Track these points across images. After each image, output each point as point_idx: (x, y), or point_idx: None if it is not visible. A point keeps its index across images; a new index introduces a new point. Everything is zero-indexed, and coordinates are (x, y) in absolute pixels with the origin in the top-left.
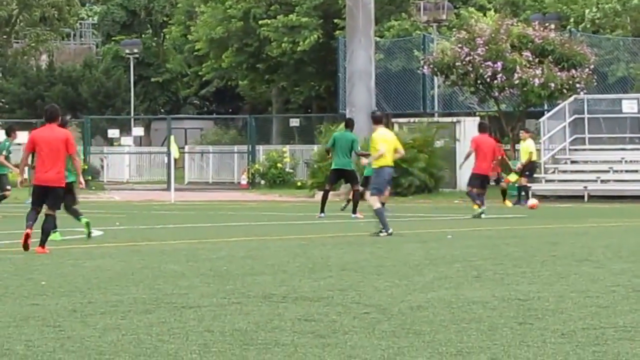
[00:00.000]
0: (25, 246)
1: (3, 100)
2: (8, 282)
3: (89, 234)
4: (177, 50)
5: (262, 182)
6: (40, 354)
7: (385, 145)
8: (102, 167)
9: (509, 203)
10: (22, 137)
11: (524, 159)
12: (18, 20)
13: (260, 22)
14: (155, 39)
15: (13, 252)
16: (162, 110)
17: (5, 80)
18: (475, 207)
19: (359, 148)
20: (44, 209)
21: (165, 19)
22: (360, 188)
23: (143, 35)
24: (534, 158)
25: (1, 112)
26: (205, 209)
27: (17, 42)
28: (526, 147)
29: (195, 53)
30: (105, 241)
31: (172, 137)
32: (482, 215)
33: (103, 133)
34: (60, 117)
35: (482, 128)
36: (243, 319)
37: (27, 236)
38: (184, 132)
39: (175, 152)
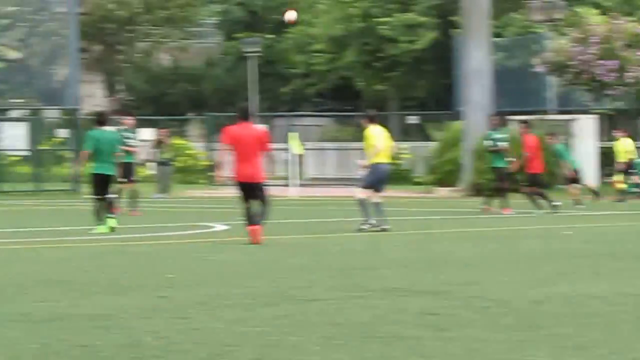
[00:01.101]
0: (257, 242)
1: (131, 98)
2: (137, 275)
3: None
4: (298, 49)
5: None
6: (169, 345)
7: (380, 142)
8: (222, 163)
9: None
10: (149, 133)
11: (621, 158)
12: (141, 21)
13: (379, 20)
14: (276, 37)
15: (140, 246)
16: (283, 108)
17: (131, 78)
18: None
19: (499, 144)
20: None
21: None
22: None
23: (264, 34)
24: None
25: (129, 109)
26: (325, 204)
27: (142, 42)
28: (625, 147)
29: (316, 54)
30: (229, 235)
31: (293, 134)
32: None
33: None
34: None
35: (526, 126)
36: (364, 312)
37: (255, 232)
38: (304, 129)
39: (298, 149)
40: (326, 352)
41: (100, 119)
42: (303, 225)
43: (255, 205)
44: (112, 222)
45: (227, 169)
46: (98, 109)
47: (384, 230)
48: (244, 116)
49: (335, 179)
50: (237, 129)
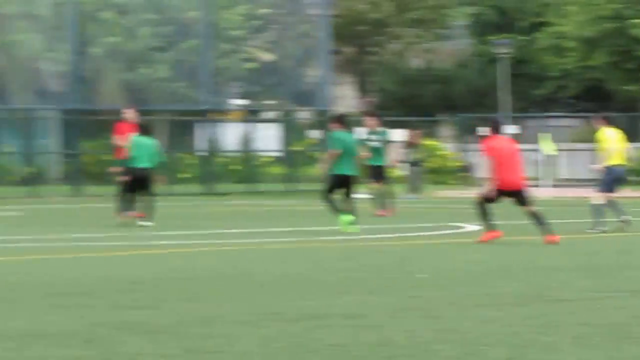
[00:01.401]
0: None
1: (383, 99)
2: (390, 275)
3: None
4: (550, 50)
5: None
6: (420, 344)
7: (613, 144)
8: (472, 164)
9: None
10: (400, 134)
11: None
12: (393, 22)
13: (631, 21)
14: (528, 38)
15: (391, 246)
16: (535, 109)
17: (382, 79)
18: None
19: None
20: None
21: (537, 19)
22: None
23: (516, 36)
24: None
25: (380, 110)
26: (576, 205)
27: (393, 43)
28: None
29: (567, 55)
30: (480, 236)
31: (545, 135)
32: None
33: (473, 131)
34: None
35: None
36: (618, 313)
37: (553, 239)
38: (555, 130)
39: (550, 149)
40: (580, 352)
41: (342, 121)
42: (553, 225)
43: (492, 210)
44: (350, 220)
45: (479, 171)
46: (350, 110)
47: (625, 222)
48: (498, 129)
49: (587, 180)
50: (498, 142)
